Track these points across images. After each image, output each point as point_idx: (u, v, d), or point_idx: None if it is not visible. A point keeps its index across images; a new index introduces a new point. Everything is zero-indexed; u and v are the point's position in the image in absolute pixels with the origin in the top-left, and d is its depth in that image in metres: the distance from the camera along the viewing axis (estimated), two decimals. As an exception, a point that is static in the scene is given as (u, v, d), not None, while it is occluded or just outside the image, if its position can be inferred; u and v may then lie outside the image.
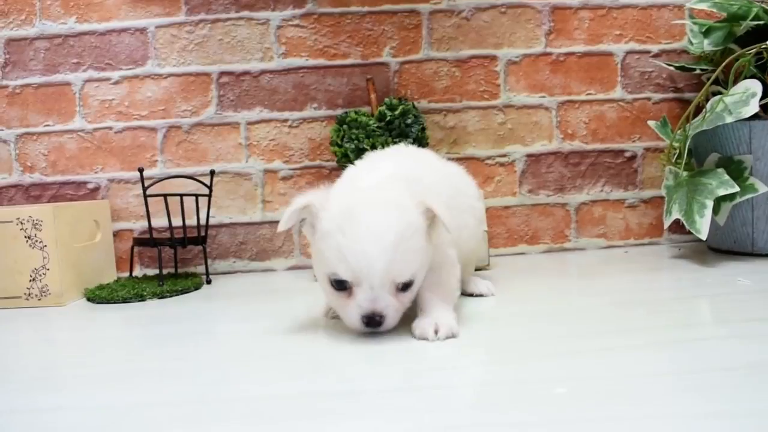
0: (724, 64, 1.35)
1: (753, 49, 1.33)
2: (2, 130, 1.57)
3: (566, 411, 0.58)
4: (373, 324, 0.85)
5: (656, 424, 0.55)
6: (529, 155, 1.63)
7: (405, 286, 0.86)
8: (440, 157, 1.16)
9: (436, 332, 0.85)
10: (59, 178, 1.58)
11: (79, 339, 1.04)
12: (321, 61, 1.58)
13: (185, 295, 1.34)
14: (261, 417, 0.61)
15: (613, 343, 0.80)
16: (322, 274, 0.89)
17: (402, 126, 1.40)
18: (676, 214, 1.34)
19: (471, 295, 1.13)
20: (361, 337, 0.88)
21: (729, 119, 1.26)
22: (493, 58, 1.61)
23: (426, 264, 0.89)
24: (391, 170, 0.95)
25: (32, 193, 1.58)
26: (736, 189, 1.27)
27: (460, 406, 0.62)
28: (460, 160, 1.58)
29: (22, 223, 1.28)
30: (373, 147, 1.35)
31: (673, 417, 0.56)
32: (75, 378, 0.80)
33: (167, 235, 1.51)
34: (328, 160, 1.57)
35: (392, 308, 0.85)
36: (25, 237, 1.28)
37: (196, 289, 1.39)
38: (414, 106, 1.44)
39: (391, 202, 0.86)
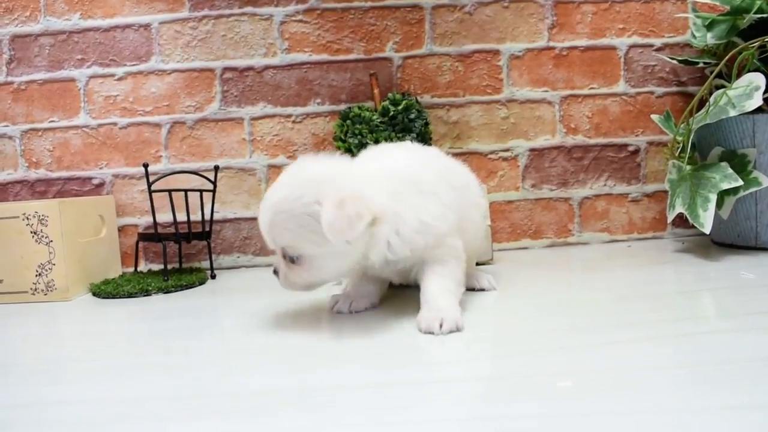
0: (727, 57, 1.34)
1: (756, 43, 1.33)
2: (7, 126, 1.58)
3: (571, 404, 0.58)
4: (274, 273, 0.98)
5: (660, 418, 0.55)
6: (532, 150, 1.63)
7: (291, 258, 0.93)
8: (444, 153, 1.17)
9: (440, 326, 0.85)
10: (64, 173, 1.59)
11: (85, 333, 1.05)
12: (324, 57, 1.58)
13: (190, 290, 1.35)
14: (265, 411, 0.62)
15: (617, 337, 0.80)
16: None
17: (405, 121, 1.40)
18: (679, 208, 1.34)
19: (473, 289, 1.13)
20: (364, 332, 0.89)
21: (732, 113, 1.26)
22: (496, 52, 1.61)
23: (315, 251, 0.90)
24: (389, 166, 0.97)
25: (38, 189, 1.59)
26: (740, 183, 1.27)
27: (464, 399, 0.62)
28: (463, 154, 1.58)
29: (28, 219, 1.29)
30: (377, 142, 1.35)
31: (678, 410, 0.56)
32: (81, 372, 0.81)
33: (172, 230, 1.51)
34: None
35: (282, 271, 0.96)
36: (31, 232, 1.29)
37: (201, 284, 1.40)
38: (417, 101, 1.44)
39: (297, 176, 0.93)
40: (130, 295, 1.29)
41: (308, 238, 0.89)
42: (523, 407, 0.59)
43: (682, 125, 1.40)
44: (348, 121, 1.41)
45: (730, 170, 1.29)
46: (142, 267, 1.59)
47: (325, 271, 0.94)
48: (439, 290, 0.93)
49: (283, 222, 0.90)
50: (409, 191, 0.94)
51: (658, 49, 1.63)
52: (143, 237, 1.43)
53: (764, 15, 1.37)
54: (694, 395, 0.59)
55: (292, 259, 0.93)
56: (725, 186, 1.28)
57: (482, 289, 1.13)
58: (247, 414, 0.61)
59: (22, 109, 1.58)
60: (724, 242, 1.46)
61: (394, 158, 1.01)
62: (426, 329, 0.86)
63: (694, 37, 1.55)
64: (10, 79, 1.57)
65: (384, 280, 1.07)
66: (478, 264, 1.32)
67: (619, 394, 0.60)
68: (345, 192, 0.86)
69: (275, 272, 0.98)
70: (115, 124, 1.58)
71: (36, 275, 1.30)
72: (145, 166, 1.37)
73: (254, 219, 1.60)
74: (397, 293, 1.14)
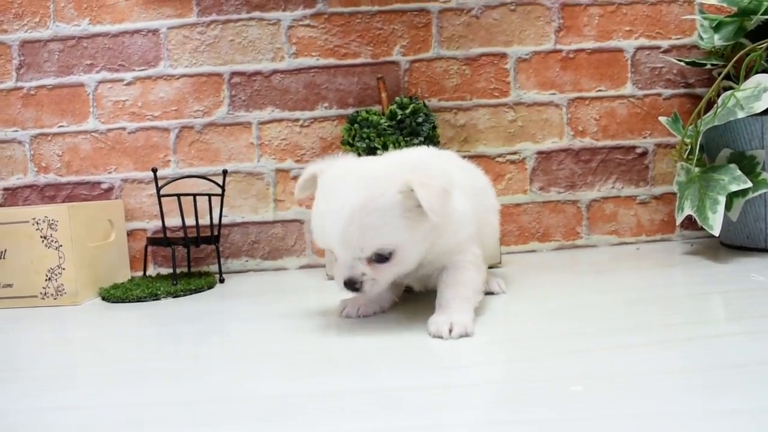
0: (735, 59, 1.34)
1: (764, 44, 1.32)
2: (17, 131, 1.59)
3: (581, 408, 0.58)
4: (351, 288, 0.89)
5: (670, 422, 0.55)
6: (539, 152, 1.63)
7: (378, 259, 0.88)
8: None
9: (450, 331, 0.86)
10: (73, 178, 1.60)
11: (95, 338, 1.05)
12: (331, 61, 1.59)
13: (199, 294, 1.35)
14: (275, 416, 0.62)
15: (627, 341, 0.80)
16: None
17: (413, 124, 1.40)
18: (688, 211, 1.34)
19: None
20: (374, 336, 0.89)
21: (741, 114, 1.25)
22: (503, 55, 1.61)
23: (412, 240, 0.89)
24: (408, 156, 0.98)
25: (47, 194, 1.60)
26: (749, 184, 1.27)
27: (475, 403, 0.62)
28: (470, 158, 1.58)
29: (38, 224, 1.30)
30: (384, 146, 1.35)
31: (688, 414, 0.56)
32: (90, 376, 0.81)
33: (180, 234, 1.52)
34: (339, 159, 1.58)
35: (368, 278, 0.89)
36: (41, 237, 1.30)
37: (210, 288, 1.40)
38: (425, 105, 1.44)
39: (363, 177, 0.88)
40: (139, 300, 1.29)
41: (404, 226, 0.87)
42: (533, 412, 0.59)
43: (690, 127, 1.39)
44: (356, 125, 1.41)
45: (739, 172, 1.29)
46: (151, 271, 1.60)
47: (409, 262, 0.92)
48: (453, 296, 0.93)
49: (376, 221, 0.86)
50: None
51: (666, 51, 1.63)
52: (152, 241, 1.43)
53: (772, 16, 1.37)
54: (705, 399, 0.59)
55: (381, 259, 0.89)
56: (734, 188, 1.28)
57: (491, 293, 1.13)
58: (258, 419, 0.61)
59: (31, 114, 1.59)
60: (734, 244, 1.45)
61: (419, 157, 1.01)
62: (435, 333, 0.86)
63: (701, 38, 1.54)
64: (19, 84, 1.58)
65: (399, 285, 1.07)
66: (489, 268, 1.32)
67: (630, 398, 0.60)
68: (417, 175, 0.87)
69: (351, 286, 0.90)
70: (123, 128, 1.59)
71: (46, 279, 1.30)
72: (154, 170, 1.37)
73: (263, 223, 1.60)
74: (406, 298, 1.14)
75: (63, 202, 1.59)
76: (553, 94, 1.62)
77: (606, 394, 0.62)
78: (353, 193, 0.86)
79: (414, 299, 1.12)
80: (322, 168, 0.96)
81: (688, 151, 1.41)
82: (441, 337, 0.86)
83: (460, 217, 0.95)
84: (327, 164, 0.96)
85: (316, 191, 0.94)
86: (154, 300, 1.30)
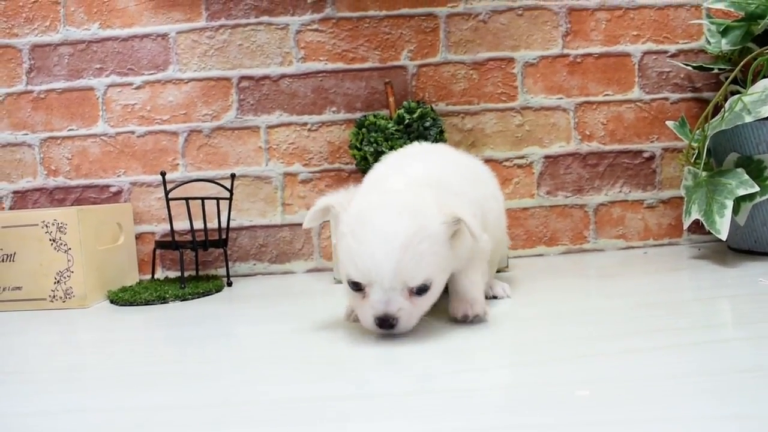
0: (742, 63, 1.34)
1: (772, 49, 1.32)
2: (27, 134, 1.60)
3: (588, 413, 0.58)
4: (385, 326, 0.85)
5: (677, 427, 0.55)
6: (547, 157, 1.63)
7: (420, 290, 0.86)
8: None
9: (471, 307, 0.94)
10: (83, 181, 1.61)
11: (103, 341, 1.06)
12: (339, 65, 1.59)
13: (207, 297, 1.35)
14: (282, 420, 0.62)
15: (634, 345, 0.80)
16: (342, 274, 0.90)
17: (420, 129, 1.41)
18: (695, 215, 1.34)
19: (486, 297, 1.12)
20: (380, 340, 0.89)
21: (748, 119, 1.25)
22: (511, 60, 1.61)
23: (445, 270, 0.90)
24: (419, 173, 0.96)
25: (56, 197, 1.61)
26: (756, 189, 1.27)
27: (482, 408, 0.62)
28: (478, 161, 1.59)
29: (47, 227, 1.31)
30: (392, 150, 1.36)
31: (695, 419, 0.56)
32: (99, 379, 0.82)
33: (189, 237, 1.53)
34: (347, 163, 1.59)
35: (405, 312, 0.85)
36: (50, 240, 1.31)
37: (218, 291, 1.41)
38: (432, 109, 1.45)
39: (406, 206, 0.86)
40: (147, 303, 1.30)
41: (445, 257, 0.88)
42: (540, 416, 0.59)
43: (697, 131, 1.39)
44: (363, 129, 1.42)
45: (746, 176, 1.29)
46: (159, 274, 1.61)
47: (438, 291, 0.90)
48: (467, 282, 0.97)
49: (428, 249, 0.84)
50: (461, 178, 1.00)
51: (673, 56, 1.63)
52: (160, 245, 1.44)
53: (780, 21, 1.37)
54: (712, 404, 0.59)
55: (422, 290, 0.86)
56: (741, 192, 1.27)
57: (495, 297, 1.13)
58: (267, 423, 0.61)
59: (41, 117, 1.60)
60: (741, 248, 1.45)
61: (414, 168, 1.00)
62: (462, 312, 0.94)
63: (708, 43, 1.54)
64: (29, 87, 1.59)
65: None
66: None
67: (637, 402, 0.60)
68: (449, 199, 0.89)
69: (386, 324, 0.85)
70: (132, 132, 1.60)
71: (54, 282, 1.31)
72: (163, 174, 1.38)
73: (270, 226, 1.61)
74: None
75: (72, 205, 1.60)
76: (561, 98, 1.62)
77: (612, 398, 0.62)
78: (403, 222, 0.84)
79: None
80: (340, 202, 0.92)
81: (695, 156, 1.41)
82: (466, 315, 0.94)
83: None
84: (343, 197, 0.93)
85: (337, 226, 0.92)
86: (162, 303, 1.30)
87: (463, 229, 0.90)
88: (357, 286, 0.87)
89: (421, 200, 0.88)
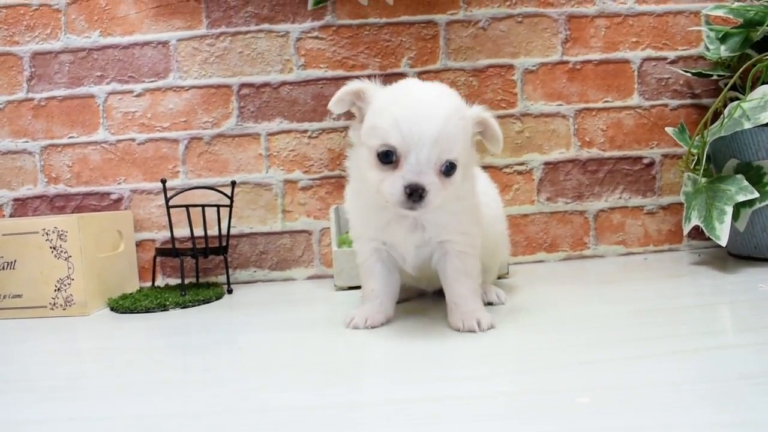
0: (741, 69, 1.35)
1: (771, 56, 1.33)
2: (27, 141, 1.60)
3: (589, 421, 0.58)
4: (414, 197, 0.87)
5: (678, 432, 0.55)
6: (546, 163, 1.63)
7: (448, 169, 0.90)
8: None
9: (478, 324, 0.94)
10: (83, 189, 1.61)
11: (104, 348, 1.05)
12: (340, 72, 1.60)
13: (207, 304, 1.35)
14: (284, 427, 0.62)
15: (635, 352, 0.80)
16: (370, 150, 0.92)
17: (420, 135, 1.41)
18: (695, 221, 1.34)
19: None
20: (381, 347, 0.89)
21: (747, 125, 1.26)
22: (510, 67, 1.62)
23: (465, 163, 0.94)
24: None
25: (57, 204, 1.61)
26: (756, 195, 1.27)
27: (482, 416, 0.62)
28: (478, 168, 1.59)
29: (47, 234, 1.31)
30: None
31: (695, 426, 0.56)
32: (100, 387, 0.81)
33: (189, 245, 1.53)
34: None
35: (435, 186, 0.88)
36: (51, 248, 1.31)
37: (218, 298, 1.41)
38: (432, 116, 1.45)
39: (444, 90, 0.94)
40: (147, 310, 1.30)
41: (468, 146, 0.94)
42: (541, 423, 0.59)
43: (696, 138, 1.40)
44: (363, 136, 1.42)
45: (746, 182, 1.29)
46: (160, 282, 1.61)
47: (456, 186, 0.93)
48: (465, 291, 0.99)
49: (457, 129, 0.89)
50: None
51: (672, 62, 1.63)
52: (161, 252, 1.44)
53: (778, 28, 1.38)
54: (712, 410, 0.59)
55: (449, 170, 0.90)
56: (741, 198, 1.28)
57: (490, 303, 1.13)
58: (269, 431, 0.62)
59: (42, 125, 1.60)
60: (741, 254, 1.45)
61: None
62: (469, 328, 0.94)
63: (707, 49, 1.55)
64: (30, 95, 1.60)
65: (396, 288, 1.09)
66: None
67: (637, 409, 0.60)
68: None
69: (414, 193, 0.87)
70: (133, 139, 1.60)
71: (55, 290, 1.31)
72: (163, 181, 1.38)
73: (271, 234, 1.61)
74: (412, 310, 1.14)
75: (72, 212, 1.60)
76: (560, 105, 1.62)
77: (613, 405, 0.62)
78: (444, 99, 0.91)
79: (420, 312, 1.13)
80: (371, 86, 0.98)
81: (695, 162, 1.41)
82: (473, 331, 0.93)
83: (479, 196, 1.03)
84: (374, 84, 0.99)
85: (366, 106, 0.97)
86: (162, 311, 1.30)
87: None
88: (388, 158, 0.89)
89: (447, 91, 0.95)
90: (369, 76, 1.57)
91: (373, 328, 1.02)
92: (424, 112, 0.88)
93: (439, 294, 1.12)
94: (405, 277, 1.11)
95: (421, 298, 1.23)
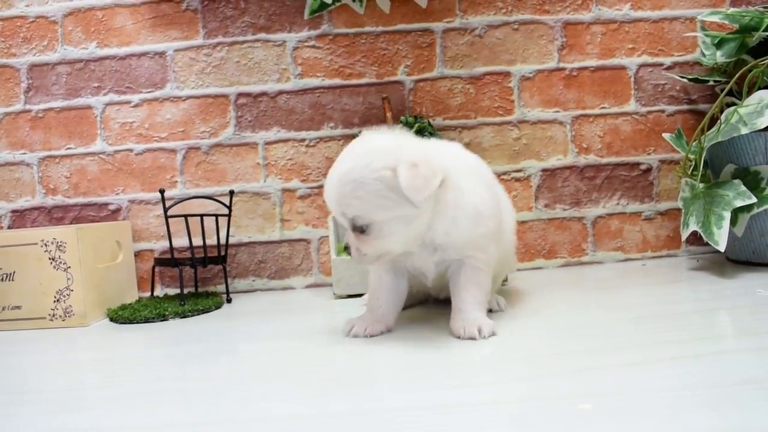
0: (737, 75, 1.35)
1: (766, 60, 1.33)
2: (25, 153, 1.60)
3: (590, 427, 0.58)
4: (348, 252, 0.99)
5: (679, 437, 0.55)
6: (544, 170, 1.63)
7: (361, 228, 0.94)
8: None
9: (479, 331, 0.94)
10: (81, 199, 1.61)
11: (103, 359, 1.05)
12: (337, 81, 1.60)
13: (206, 314, 1.35)
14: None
15: (635, 358, 0.80)
16: None
17: (418, 143, 1.41)
18: (693, 226, 1.34)
19: None
20: (381, 356, 0.89)
21: (744, 130, 1.26)
22: (507, 74, 1.62)
23: (384, 217, 0.93)
24: (432, 144, 1.03)
25: (55, 215, 1.61)
26: (754, 200, 1.27)
27: (483, 423, 0.62)
28: (476, 175, 1.59)
29: (46, 245, 1.31)
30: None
31: None
32: (100, 398, 0.81)
33: (188, 254, 1.52)
34: (345, 178, 1.59)
35: (353, 244, 0.97)
36: (50, 259, 1.30)
37: (217, 308, 1.41)
38: (429, 124, 1.45)
39: (365, 148, 0.95)
40: (147, 320, 1.30)
41: (378, 204, 0.92)
42: (542, 430, 0.59)
43: (693, 143, 1.40)
44: (361, 145, 1.42)
45: (743, 187, 1.29)
46: (159, 292, 1.61)
47: (393, 239, 0.95)
48: (471, 300, 0.99)
49: (352, 191, 0.92)
50: (470, 174, 1.01)
51: (668, 68, 1.64)
52: (159, 262, 1.44)
53: (774, 33, 1.38)
54: (712, 416, 0.59)
55: (361, 229, 0.94)
56: (739, 203, 1.28)
57: (490, 310, 1.12)
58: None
59: (39, 136, 1.60)
60: (739, 259, 1.45)
61: (445, 147, 1.06)
62: (468, 335, 0.94)
63: (703, 55, 1.55)
64: (27, 107, 1.60)
65: (416, 294, 1.15)
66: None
67: (637, 415, 0.60)
68: (415, 155, 0.92)
69: (346, 248, 0.99)
70: (131, 150, 1.60)
71: (54, 301, 1.31)
72: (162, 191, 1.38)
73: (269, 242, 1.61)
74: (413, 318, 1.14)
75: (71, 223, 1.60)
76: (557, 111, 1.63)
77: (614, 411, 0.62)
78: (346, 162, 0.94)
79: (420, 319, 1.13)
80: (364, 133, 1.01)
81: (692, 167, 1.42)
82: (474, 338, 0.93)
83: (471, 210, 0.98)
84: (373, 132, 1.01)
85: None
86: (161, 321, 1.30)
87: (448, 185, 0.95)
88: None
89: (386, 148, 0.94)
90: (366, 85, 1.59)
91: (372, 336, 1.02)
92: (331, 175, 0.95)
93: (444, 302, 1.12)
94: (416, 283, 1.11)
95: (423, 306, 1.23)
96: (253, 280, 1.62)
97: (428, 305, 1.24)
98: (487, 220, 0.99)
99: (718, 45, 1.47)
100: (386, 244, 0.96)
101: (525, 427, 0.60)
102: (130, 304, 1.42)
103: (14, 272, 1.32)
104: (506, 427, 0.61)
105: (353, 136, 1.45)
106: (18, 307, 1.32)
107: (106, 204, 1.61)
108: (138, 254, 1.61)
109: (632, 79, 1.64)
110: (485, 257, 1.01)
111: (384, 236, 0.94)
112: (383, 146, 0.94)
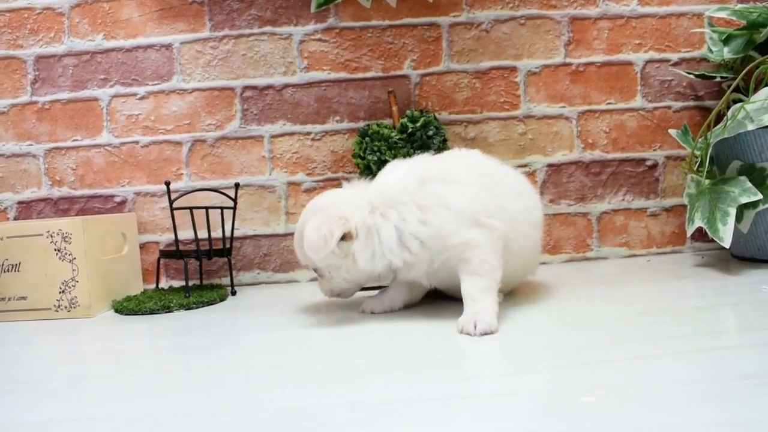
0: (744, 71, 1.34)
1: (774, 57, 1.33)
2: (32, 144, 1.61)
3: (594, 420, 0.59)
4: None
5: None
6: (549, 165, 1.63)
7: (318, 271, 1.13)
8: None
9: (475, 327, 0.93)
10: (87, 191, 1.61)
11: (108, 350, 1.06)
12: (343, 75, 1.60)
13: (211, 306, 1.36)
14: (288, 428, 0.62)
15: (639, 352, 0.80)
16: None
17: (423, 138, 1.41)
18: (698, 223, 1.34)
19: None
20: (386, 347, 0.89)
21: (750, 127, 1.26)
22: (513, 69, 1.62)
23: (326, 263, 1.09)
24: (380, 182, 1.12)
25: (61, 207, 1.61)
26: (759, 196, 1.27)
27: (487, 415, 0.62)
28: (481, 170, 1.59)
29: (52, 236, 1.31)
30: (395, 159, 1.36)
31: (699, 426, 0.56)
32: (104, 389, 0.82)
33: (193, 247, 1.53)
34: (350, 172, 1.59)
35: (319, 284, 1.16)
36: (55, 250, 1.31)
37: (222, 300, 1.41)
38: (435, 118, 1.45)
39: (310, 208, 1.11)
40: (151, 312, 1.30)
41: (311, 254, 1.05)
42: (545, 423, 0.59)
43: (699, 139, 1.40)
44: (367, 139, 1.42)
45: (749, 184, 1.29)
46: (164, 284, 1.61)
47: (336, 281, 1.12)
48: (475, 291, 1.00)
49: (298, 241, 1.12)
50: (399, 201, 1.05)
51: (675, 64, 1.63)
52: (165, 254, 1.45)
53: (781, 29, 1.38)
54: (716, 410, 0.59)
55: (319, 273, 1.13)
56: (744, 200, 1.28)
57: None
58: (273, 431, 0.62)
59: (45, 128, 1.61)
60: (744, 256, 1.45)
61: (398, 172, 1.11)
62: (465, 331, 0.94)
63: (710, 51, 1.55)
64: (34, 98, 1.60)
65: (417, 289, 1.18)
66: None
67: (641, 409, 0.61)
68: (326, 215, 1.05)
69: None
70: (137, 142, 1.61)
71: (59, 292, 1.32)
72: (167, 184, 1.39)
73: (274, 236, 1.61)
74: (420, 307, 1.15)
75: (76, 215, 1.61)
76: (563, 107, 1.62)
77: (617, 405, 0.62)
78: (302, 216, 1.12)
79: (428, 310, 1.13)
80: (347, 186, 1.18)
81: (698, 164, 1.41)
82: (469, 334, 0.93)
83: (438, 231, 1.02)
84: (348, 186, 1.18)
85: None
86: (166, 312, 1.31)
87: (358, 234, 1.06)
88: None
89: (319, 204, 1.11)
90: (372, 79, 1.59)
91: (373, 313, 1.15)
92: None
93: (455, 299, 1.12)
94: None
95: (430, 301, 1.23)
96: (258, 273, 1.62)
97: (434, 300, 1.24)
98: (463, 215, 1.03)
99: (726, 41, 1.47)
100: (334, 284, 1.13)
101: (528, 419, 0.60)
102: (135, 295, 1.42)
103: (20, 263, 1.33)
104: (509, 419, 0.61)
105: (359, 130, 1.47)
106: (23, 298, 1.33)
107: (112, 196, 1.61)
108: (143, 246, 1.61)
109: (639, 74, 1.63)
110: (462, 246, 1.02)
111: (330, 278, 1.12)
112: (312, 206, 1.11)
